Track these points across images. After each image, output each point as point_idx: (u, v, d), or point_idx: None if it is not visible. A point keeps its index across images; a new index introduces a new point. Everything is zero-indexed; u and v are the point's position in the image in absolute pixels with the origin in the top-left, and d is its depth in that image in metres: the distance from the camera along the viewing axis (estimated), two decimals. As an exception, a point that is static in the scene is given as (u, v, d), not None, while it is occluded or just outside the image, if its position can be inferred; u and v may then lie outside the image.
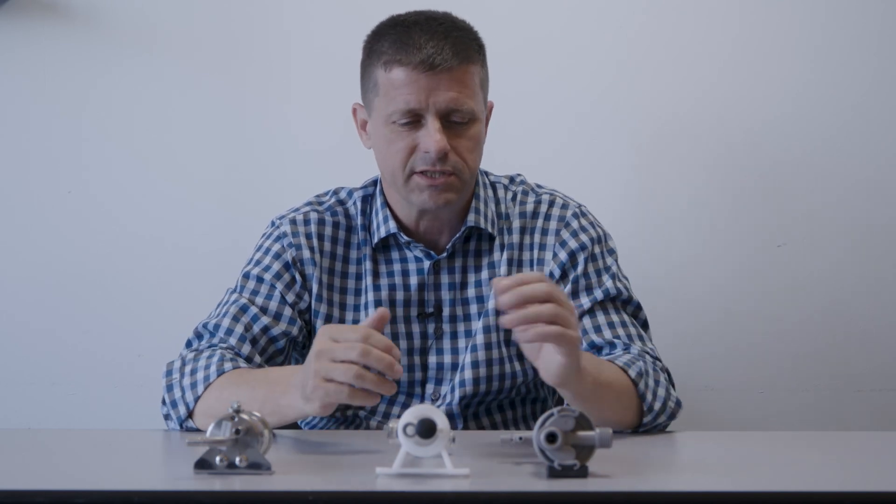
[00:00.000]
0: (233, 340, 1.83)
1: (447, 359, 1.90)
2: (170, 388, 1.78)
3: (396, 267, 1.92)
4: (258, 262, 1.92)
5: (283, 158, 2.47)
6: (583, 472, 1.33)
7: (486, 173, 1.99)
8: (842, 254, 2.49)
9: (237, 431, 1.36)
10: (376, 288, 1.91)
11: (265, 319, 1.86)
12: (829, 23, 2.48)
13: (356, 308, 1.92)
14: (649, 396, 1.74)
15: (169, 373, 1.80)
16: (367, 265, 1.92)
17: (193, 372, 1.76)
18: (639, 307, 1.92)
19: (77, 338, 2.46)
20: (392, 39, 1.82)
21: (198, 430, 1.73)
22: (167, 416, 1.79)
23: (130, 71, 2.47)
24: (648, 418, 1.74)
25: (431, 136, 1.80)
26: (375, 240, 1.92)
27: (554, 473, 1.33)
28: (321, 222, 1.93)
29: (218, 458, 1.36)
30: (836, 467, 1.52)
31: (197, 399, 1.73)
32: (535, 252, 1.93)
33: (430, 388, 1.90)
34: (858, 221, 2.49)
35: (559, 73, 2.48)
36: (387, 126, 1.83)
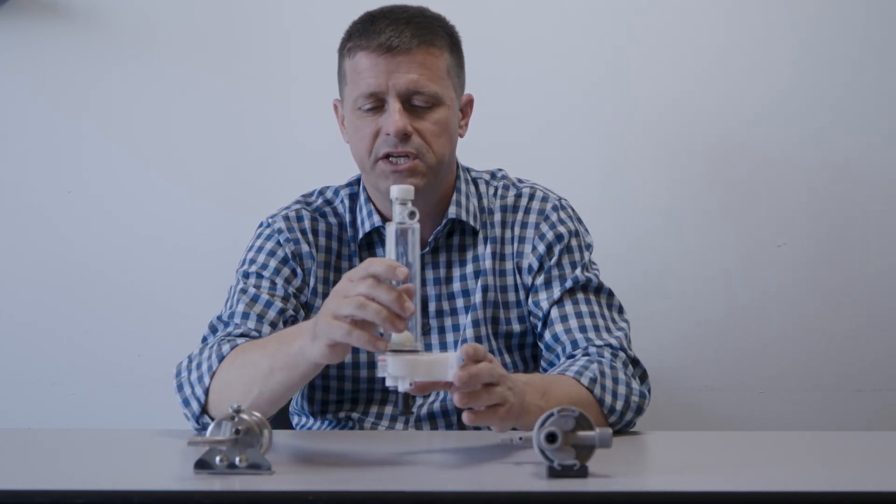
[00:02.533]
0: (250, 324, 1.82)
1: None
2: (180, 387, 1.76)
3: None
4: (253, 261, 1.91)
5: (283, 158, 2.47)
6: (583, 472, 1.33)
7: (468, 169, 2.00)
8: (842, 254, 2.49)
9: (237, 431, 1.36)
10: None
11: (279, 304, 1.85)
12: (831, 18, 2.48)
13: None
14: (608, 399, 1.73)
15: (178, 373, 1.78)
16: (356, 262, 1.93)
17: (199, 366, 1.74)
18: (611, 294, 1.91)
19: (77, 338, 2.46)
20: (356, 29, 1.88)
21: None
22: (186, 415, 1.78)
23: (130, 71, 2.47)
24: (613, 419, 1.74)
25: (391, 117, 1.82)
26: (360, 235, 1.93)
27: (554, 473, 1.33)
28: (314, 219, 1.94)
29: (218, 458, 1.36)
30: (836, 467, 1.52)
31: (206, 391, 1.71)
32: (516, 245, 1.94)
33: None
34: (858, 221, 2.49)
35: (550, 71, 2.48)
36: (354, 113, 1.86)
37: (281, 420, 1.96)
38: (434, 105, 1.85)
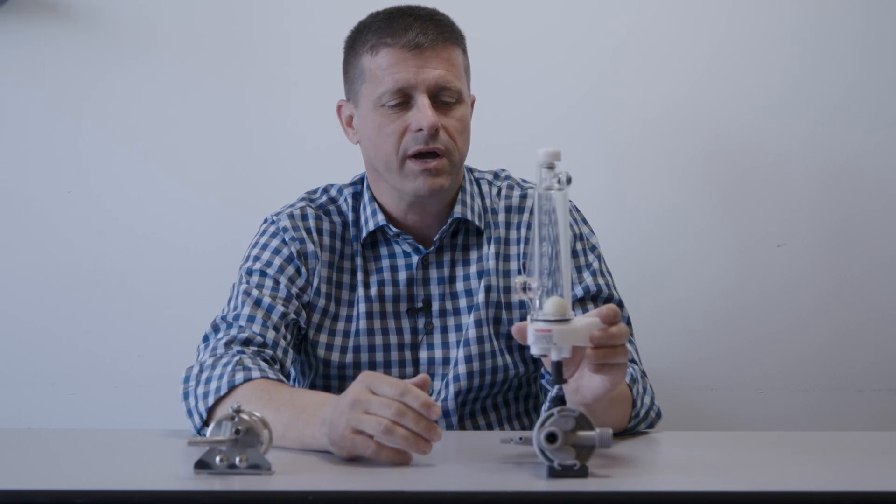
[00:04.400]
0: (256, 328, 1.81)
1: (438, 353, 1.91)
2: (186, 395, 1.74)
3: (385, 263, 1.93)
4: (257, 258, 1.90)
5: (284, 157, 2.47)
6: (583, 472, 1.33)
7: (471, 170, 2.00)
8: (842, 253, 2.49)
9: (237, 431, 1.36)
10: (366, 284, 1.92)
11: (281, 308, 1.85)
12: (832, 18, 2.48)
13: (350, 304, 1.92)
14: (639, 402, 1.74)
15: (187, 379, 1.75)
16: (358, 261, 1.93)
17: (208, 381, 1.72)
18: (620, 304, 1.91)
19: (77, 338, 2.46)
20: (376, 27, 1.87)
21: None
22: (186, 419, 1.76)
23: (130, 71, 2.47)
24: (632, 423, 1.73)
25: (423, 112, 1.82)
26: (364, 234, 1.92)
27: (554, 473, 1.33)
28: (318, 217, 1.94)
29: (218, 458, 1.36)
30: (836, 467, 1.51)
31: (208, 410, 1.70)
32: (521, 246, 1.93)
33: None
34: (858, 221, 2.48)
35: (551, 71, 2.48)
36: (376, 111, 1.85)
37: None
38: (457, 101, 1.86)
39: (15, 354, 2.46)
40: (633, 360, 1.82)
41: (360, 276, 1.92)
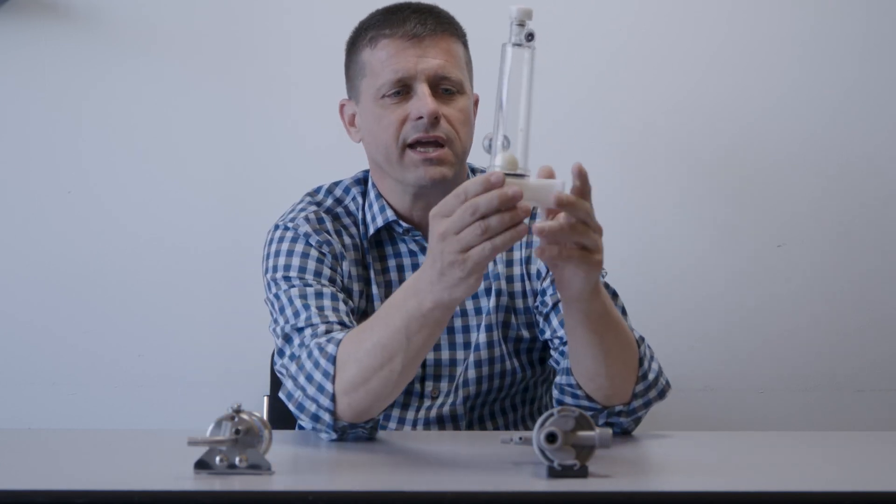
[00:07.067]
0: (332, 317, 1.75)
1: (444, 355, 1.90)
2: (300, 408, 1.67)
3: (391, 262, 1.92)
4: (288, 266, 1.84)
5: (284, 158, 2.47)
6: (583, 472, 1.33)
7: (474, 169, 1.99)
8: (842, 254, 2.49)
9: (237, 431, 1.36)
10: (378, 283, 1.91)
11: (341, 295, 1.81)
12: (832, 19, 2.48)
13: (368, 299, 1.90)
14: (646, 363, 1.71)
15: (290, 396, 1.68)
16: (369, 259, 1.92)
17: (310, 379, 1.66)
18: (616, 295, 1.89)
19: (77, 338, 2.46)
20: (375, 21, 1.87)
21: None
22: (317, 429, 1.69)
23: (130, 71, 2.47)
24: (641, 387, 1.70)
25: (423, 100, 1.80)
26: (371, 231, 1.91)
27: (554, 473, 1.33)
28: (333, 219, 1.91)
29: (218, 458, 1.36)
30: (836, 467, 1.52)
31: (333, 398, 1.63)
32: (524, 250, 1.93)
33: (428, 385, 1.89)
34: (858, 221, 2.49)
35: (553, 74, 2.48)
36: (376, 103, 1.84)
37: (283, 420, 1.96)
38: (458, 92, 1.85)
39: (15, 354, 2.46)
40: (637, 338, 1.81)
41: (372, 274, 1.91)
